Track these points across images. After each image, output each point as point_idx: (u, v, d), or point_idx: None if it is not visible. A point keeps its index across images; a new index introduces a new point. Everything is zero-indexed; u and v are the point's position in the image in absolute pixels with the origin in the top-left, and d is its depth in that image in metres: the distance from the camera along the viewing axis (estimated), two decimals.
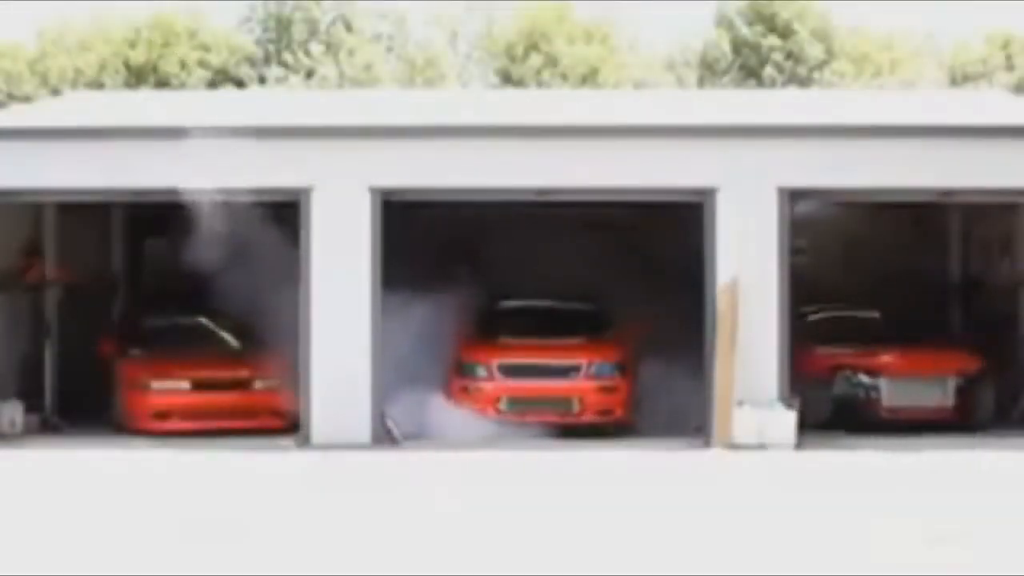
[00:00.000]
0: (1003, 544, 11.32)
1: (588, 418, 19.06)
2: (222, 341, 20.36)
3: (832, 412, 19.41)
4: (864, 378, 19.39)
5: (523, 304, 20.55)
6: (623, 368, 19.29)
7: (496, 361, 19.16)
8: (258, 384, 19.22)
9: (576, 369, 19.11)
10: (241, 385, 19.24)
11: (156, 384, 19.17)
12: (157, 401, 19.13)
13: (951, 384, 19.31)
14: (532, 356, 19.29)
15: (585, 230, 21.53)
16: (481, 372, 19.11)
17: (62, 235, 20.76)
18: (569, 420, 18.99)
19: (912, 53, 47.43)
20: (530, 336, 19.68)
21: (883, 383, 19.27)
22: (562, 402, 19.02)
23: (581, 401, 19.00)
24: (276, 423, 18.79)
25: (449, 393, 19.13)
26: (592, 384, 19.07)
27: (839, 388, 19.51)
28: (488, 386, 19.02)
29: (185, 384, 19.23)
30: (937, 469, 15.81)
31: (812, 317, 20.84)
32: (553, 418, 18.90)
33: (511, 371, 19.07)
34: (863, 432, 18.74)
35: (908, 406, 19.25)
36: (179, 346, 19.89)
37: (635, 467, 16.35)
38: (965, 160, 18.45)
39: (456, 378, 19.26)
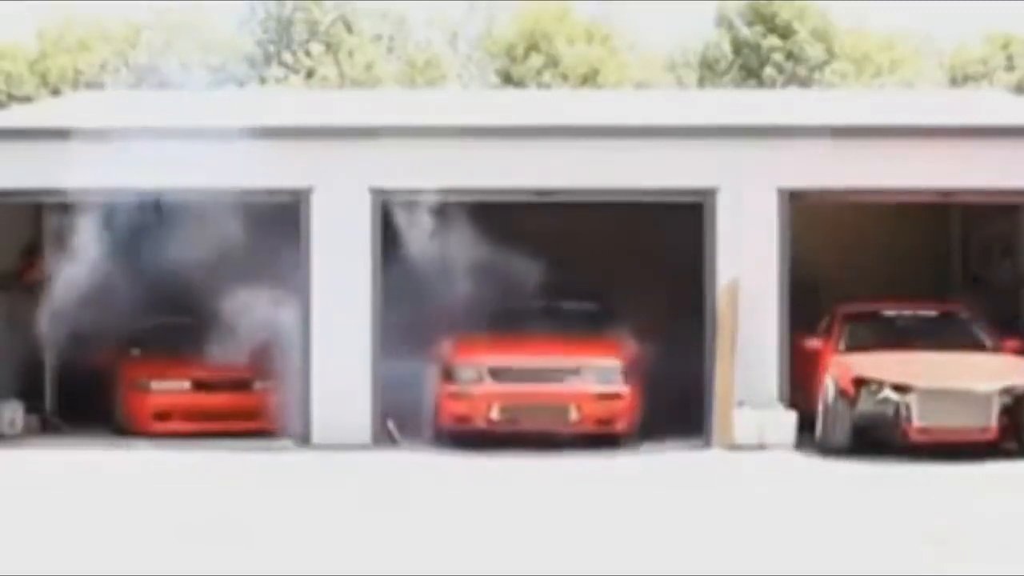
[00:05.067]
0: (1003, 545, 11.32)
1: (588, 428, 17.63)
2: (222, 342, 19.99)
3: (855, 434, 16.73)
4: (891, 393, 16.57)
5: (519, 303, 19.08)
6: (628, 373, 17.86)
7: (487, 364, 17.82)
8: (258, 385, 19.11)
9: (574, 373, 17.75)
10: (242, 386, 19.16)
11: (157, 385, 19.21)
12: (158, 402, 19.16)
13: (995, 401, 16.37)
14: (526, 358, 17.86)
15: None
16: (471, 376, 17.77)
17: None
18: (566, 430, 17.58)
19: (912, 53, 47.45)
20: (525, 337, 18.27)
21: (914, 399, 16.45)
22: (558, 410, 17.55)
23: (579, 409, 17.53)
24: (276, 425, 18.61)
25: (435, 400, 17.99)
26: (592, 390, 17.63)
27: (862, 405, 16.64)
28: (478, 391, 17.71)
29: (186, 384, 19.27)
30: (937, 473, 15.74)
31: (850, 316, 18.62)
32: (548, 427, 17.54)
33: (503, 375, 17.71)
34: (890, 458, 16.32)
35: (944, 427, 16.40)
36: (179, 346, 19.59)
37: (637, 468, 16.32)
38: (965, 160, 18.43)
39: (443, 383, 17.88)
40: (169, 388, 19.26)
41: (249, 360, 18.98)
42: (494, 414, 17.59)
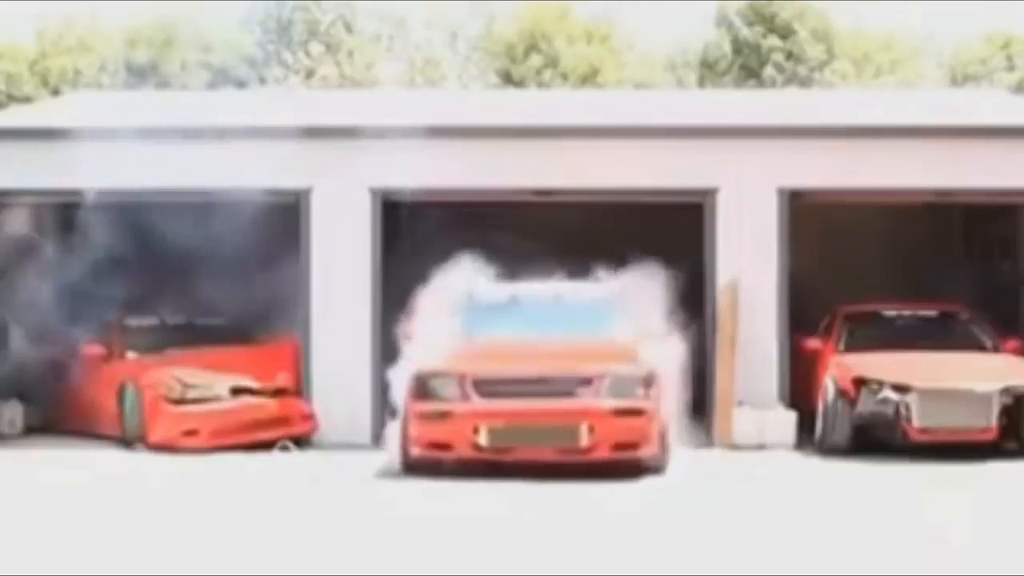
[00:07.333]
0: (1003, 545, 11.31)
1: (602, 454, 14.36)
2: (240, 341, 18.80)
3: (855, 434, 16.61)
4: (891, 393, 16.48)
5: (510, 295, 16.33)
6: (650, 382, 14.72)
7: (472, 374, 14.55)
8: (293, 391, 18.07)
9: (585, 384, 14.52)
10: (281, 393, 17.98)
11: (191, 394, 17.55)
12: (189, 415, 17.45)
13: (996, 401, 16.23)
14: (523, 367, 14.68)
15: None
16: (451, 391, 14.55)
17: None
18: (575, 458, 14.38)
19: (912, 53, 47.49)
20: (520, 339, 15.34)
21: (914, 399, 16.34)
22: (563, 432, 14.34)
23: (591, 430, 14.32)
24: (306, 428, 18.00)
25: (403, 420, 14.83)
26: (607, 406, 14.43)
27: (862, 405, 16.51)
28: (460, 410, 14.43)
29: (226, 394, 17.65)
30: (937, 473, 15.73)
31: (850, 316, 18.53)
32: (552, 456, 14.36)
33: (493, 388, 14.46)
34: (890, 458, 16.15)
35: (944, 427, 16.23)
36: (200, 352, 18.38)
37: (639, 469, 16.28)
38: (965, 160, 18.44)
39: (415, 400, 14.60)
40: (205, 398, 17.56)
41: (280, 365, 18.24)
42: (482, 439, 14.28)
